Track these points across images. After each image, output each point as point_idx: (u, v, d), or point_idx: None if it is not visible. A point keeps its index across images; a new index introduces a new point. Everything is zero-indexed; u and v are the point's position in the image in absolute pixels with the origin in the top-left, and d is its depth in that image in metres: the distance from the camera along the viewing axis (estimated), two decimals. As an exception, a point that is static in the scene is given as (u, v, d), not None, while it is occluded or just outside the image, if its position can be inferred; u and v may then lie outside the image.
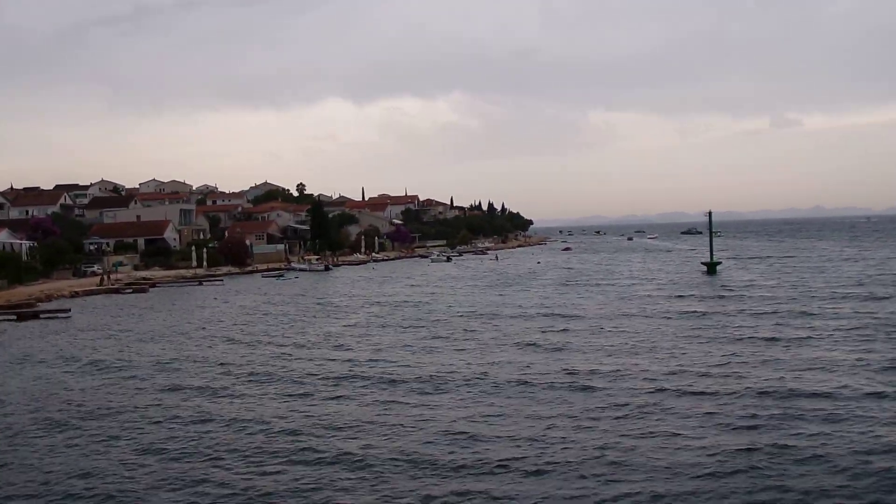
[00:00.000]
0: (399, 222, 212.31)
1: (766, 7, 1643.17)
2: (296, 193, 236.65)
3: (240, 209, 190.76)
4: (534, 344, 41.03)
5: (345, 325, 52.85)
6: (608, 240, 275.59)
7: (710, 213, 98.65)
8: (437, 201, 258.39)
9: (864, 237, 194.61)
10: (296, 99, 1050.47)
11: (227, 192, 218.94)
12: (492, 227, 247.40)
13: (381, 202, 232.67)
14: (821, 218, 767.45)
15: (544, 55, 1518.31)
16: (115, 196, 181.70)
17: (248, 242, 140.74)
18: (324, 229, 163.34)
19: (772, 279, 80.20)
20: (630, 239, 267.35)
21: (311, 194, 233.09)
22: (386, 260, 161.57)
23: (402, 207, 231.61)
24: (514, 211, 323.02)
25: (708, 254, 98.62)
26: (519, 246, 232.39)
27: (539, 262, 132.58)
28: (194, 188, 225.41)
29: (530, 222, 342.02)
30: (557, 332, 45.75)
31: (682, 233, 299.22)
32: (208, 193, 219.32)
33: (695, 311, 53.55)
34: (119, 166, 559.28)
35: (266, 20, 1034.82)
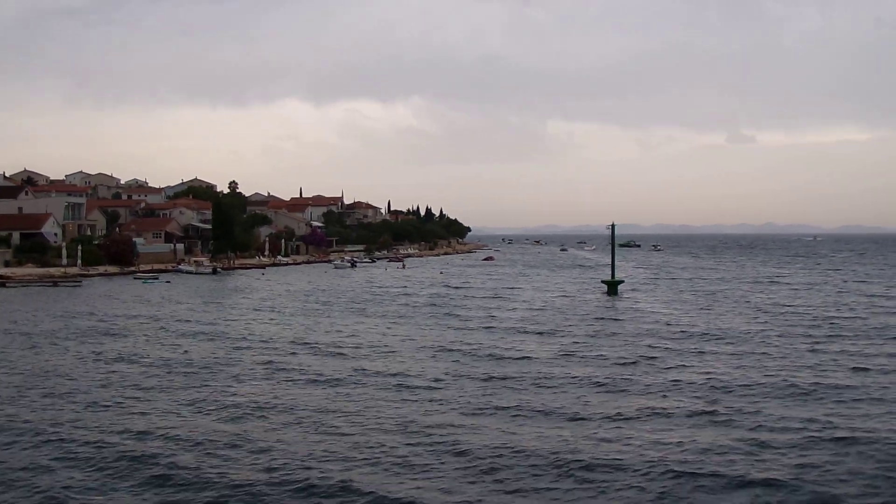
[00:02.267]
0: (319, 225, 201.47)
1: (730, 25, 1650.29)
2: (227, 191, 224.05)
3: (143, 205, 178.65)
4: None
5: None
6: (541, 250, 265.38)
7: (612, 226, 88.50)
8: (367, 204, 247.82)
9: (794, 258, 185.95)
10: (259, 97, 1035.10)
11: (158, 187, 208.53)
12: (420, 233, 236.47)
13: (303, 203, 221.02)
14: (771, 234, 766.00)
15: (508, 63, 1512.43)
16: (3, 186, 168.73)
17: (136, 241, 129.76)
18: (225, 229, 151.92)
19: (667, 302, 70.68)
20: (564, 250, 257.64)
21: (240, 193, 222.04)
22: (291, 264, 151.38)
23: (325, 209, 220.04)
24: (453, 217, 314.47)
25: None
26: (445, 253, 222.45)
27: (442, 273, 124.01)
28: (122, 182, 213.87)
29: (468, 229, 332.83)
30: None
31: (621, 245, 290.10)
32: (136, 188, 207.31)
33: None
34: (79, 158, 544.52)
35: (236, 17, 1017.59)
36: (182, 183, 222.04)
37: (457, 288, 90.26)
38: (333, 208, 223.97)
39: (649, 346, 43.32)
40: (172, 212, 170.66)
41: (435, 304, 69.44)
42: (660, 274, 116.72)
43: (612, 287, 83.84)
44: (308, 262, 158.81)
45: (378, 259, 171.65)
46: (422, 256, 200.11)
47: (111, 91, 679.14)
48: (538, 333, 49.32)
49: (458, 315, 59.98)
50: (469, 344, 44.27)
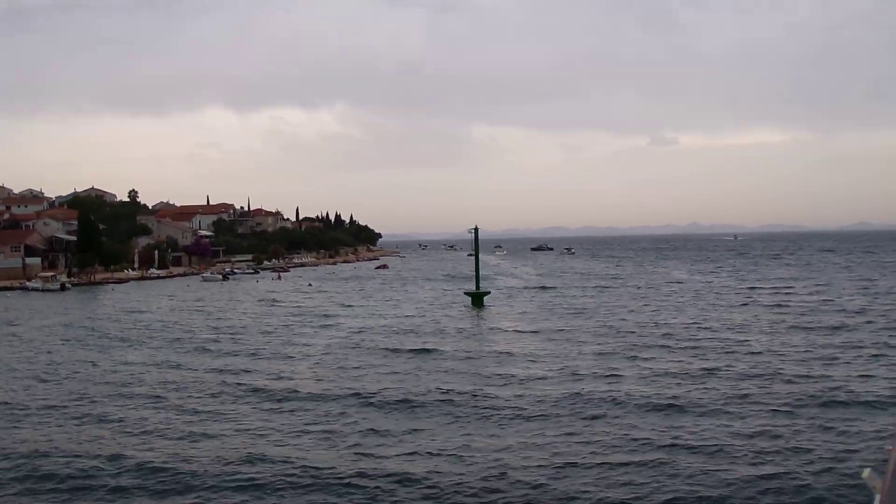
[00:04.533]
0: (208, 234, 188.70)
1: (649, 33, 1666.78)
2: (126, 199, 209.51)
3: (7, 216, 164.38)
4: None
5: None
6: (452, 256, 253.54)
7: (475, 230, 78.13)
8: (266, 211, 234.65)
9: (707, 260, 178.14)
10: (180, 105, 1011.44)
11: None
12: (318, 240, 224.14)
13: (191, 211, 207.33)
14: (696, 234, 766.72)
15: (431, 69, 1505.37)
16: None
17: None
18: (92, 240, 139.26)
19: (528, 319, 60.34)
20: (470, 255, 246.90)
21: (138, 202, 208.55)
22: (163, 277, 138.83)
23: (215, 217, 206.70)
24: (363, 223, 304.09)
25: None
26: (345, 261, 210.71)
27: (310, 285, 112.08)
28: (15, 192, 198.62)
29: (378, 235, 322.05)
30: None
31: (533, 249, 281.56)
32: (20, 199, 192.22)
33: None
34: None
35: (155, 26, 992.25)
36: (74, 193, 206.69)
37: (283, 306, 77.67)
38: (225, 216, 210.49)
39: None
40: (36, 223, 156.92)
41: (216, 334, 55.85)
42: (544, 282, 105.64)
43: (477, 299, 73.63)
44: (184, 275, 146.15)
45: (261, 270, 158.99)
46: (317, 266, 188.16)
47: (27, 102, 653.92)
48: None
49: (211, 351, 46.98)
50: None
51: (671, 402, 28.69)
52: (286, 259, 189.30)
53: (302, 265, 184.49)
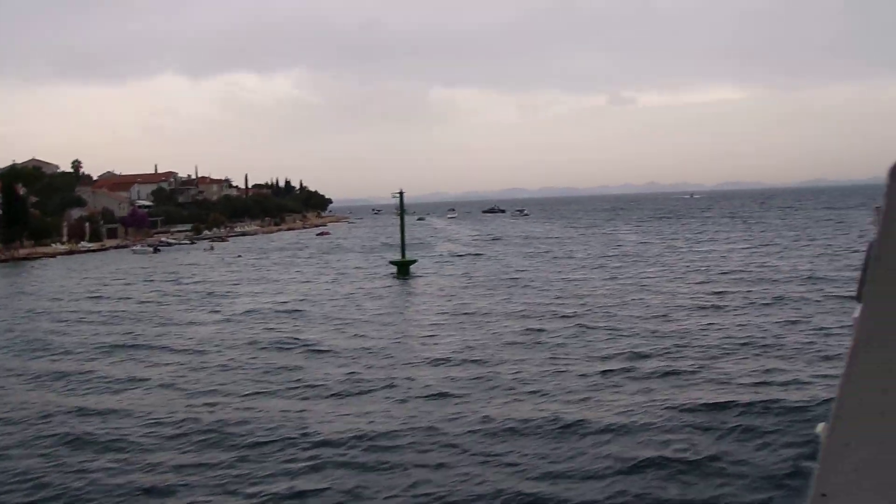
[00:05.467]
0: (147, 204, 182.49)
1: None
2: (70, 170, 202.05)
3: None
4: None
5: None
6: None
7: (401, 194, 73.16)
8: (210, 179, 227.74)
9: (654, 220, 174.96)
10: (133, 72, 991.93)
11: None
12: (263, 208, 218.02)
13: (128, 181, 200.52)
14: (654, 194, 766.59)
15: (387, 30, 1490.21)
16: None
17: None
18: (19, 214, 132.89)
19: (444, 293, 55.54)
20: (421, 219, 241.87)
21: (79, 173, 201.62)
22: (94, 251, 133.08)
23: (154, 186, 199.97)
24: (320, 189, 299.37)
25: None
26: (289, 229, 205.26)
27: (240, 256, 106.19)
28: None
29: (329, 201, 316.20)
30: None
31: (484, 211, 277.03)
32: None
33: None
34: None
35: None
36: (13, 164, 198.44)
37: (186, 283, 71.05)
38: (165, 185, 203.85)
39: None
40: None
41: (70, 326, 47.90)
42: (482, 249, 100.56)
43: (403, 268, 69.03)
44: (117, 248, 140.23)
45: (196, 240, 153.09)
46: (257, 234, 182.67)
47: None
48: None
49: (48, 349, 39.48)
50: None
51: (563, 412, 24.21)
52: (228, 228, 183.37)
53: (244, 234, 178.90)
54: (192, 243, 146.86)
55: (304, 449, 19.69)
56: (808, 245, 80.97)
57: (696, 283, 53.24)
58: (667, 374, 26.59)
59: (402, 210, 74.56)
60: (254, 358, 32.91)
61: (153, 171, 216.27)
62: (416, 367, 29.51)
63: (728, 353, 29.70)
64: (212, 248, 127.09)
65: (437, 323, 40.61)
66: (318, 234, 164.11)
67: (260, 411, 23.62)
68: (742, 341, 31.82)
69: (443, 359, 30.60)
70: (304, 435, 20.82)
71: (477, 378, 26.90)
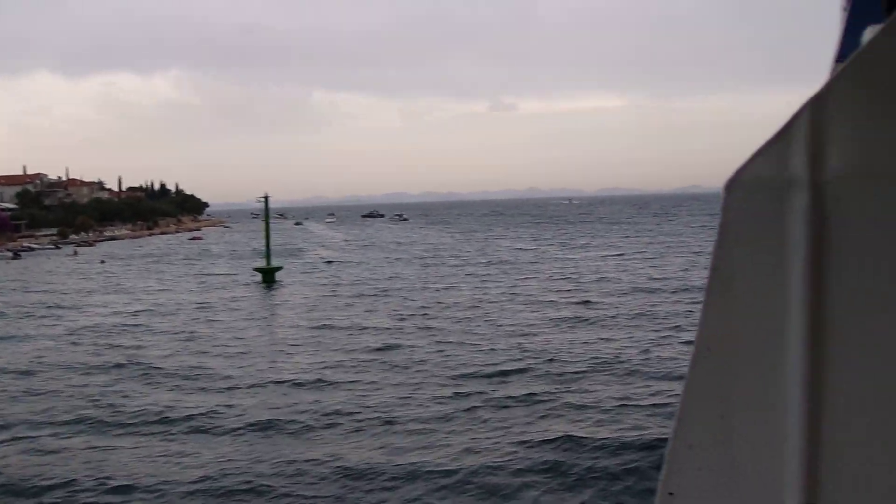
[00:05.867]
0: (11, 206, 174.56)
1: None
2: None
3: None
4: None
5: None
6: (277, 226, 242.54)
7: (266, 198, 70.37)
8: (82, 181, 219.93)
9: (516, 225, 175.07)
10: (5, 70, 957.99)
11: None
12: (136, 211, 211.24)
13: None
14: (535, 199, 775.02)
15: (268, 32, 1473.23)
16: None
17: None
18: None
19: (306, 304, 52.85)
20: (299, 224, 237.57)
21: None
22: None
23: (20, 188, 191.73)
24: (198, 193, 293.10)
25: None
26: (162, 233, 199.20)
27: (103, 262, 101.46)
28: None
29: (205, 205, 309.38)
30: None
31: (364, 216, 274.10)
32: None
33: None
34: None
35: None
36: None
37: (29, 293, 65.98)
38: (31, 187, 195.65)
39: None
40: None
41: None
42: (350, 257, 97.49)
43: (268, 275, 66.19)
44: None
45: (62, 245, 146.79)
46: (127, 238, 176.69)
47: None
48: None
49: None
50: None
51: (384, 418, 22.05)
52: (97, 232, 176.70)
53: (114, 238, 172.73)
54: (57, 248, 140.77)
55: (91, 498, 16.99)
56: (682, 253, 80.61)
57: (566, 292, 52.03)
58: (525, 398, 24.67)
59: (266, 215, 71.77)
60: (77, 384, 29.68)
61: (21, 173, 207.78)
62: (254, 393, 26.94)
63: (592, 373, 27.95)
64: (75, 254, 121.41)
65: (291, 339, 38.10)
66: (190, 239, 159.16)
67: (59, 451, 20.78)
68: (606, 359, 30.13)
69: (286, 382, 28.10)
70: (99, 482, 18.05)
71: (316, 407, 24.52)
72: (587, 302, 47.02)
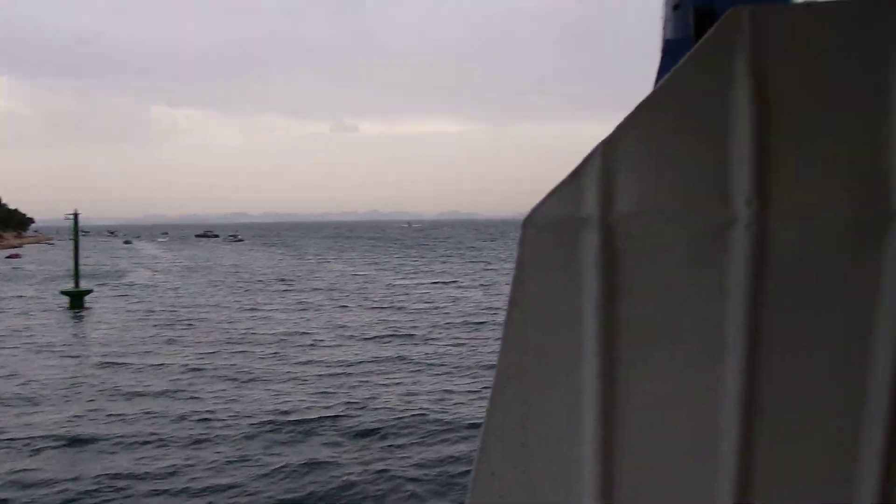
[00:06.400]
0: None
1: (333, 16, 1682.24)
2: None
3: None
4: None
5: None
6: (108, 245, 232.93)
7: (75, 215, 65.83)
8: None
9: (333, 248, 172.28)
10: None
11: None
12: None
13: None
14: (375, 221, 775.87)
15: (108, 44, 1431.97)
16: None
17: None
18: None
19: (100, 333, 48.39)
20: (128, 242, 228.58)
21: None
22: None
23: None
24: (23, 207, 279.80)
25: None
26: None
27: None
28: None
29: (31, 220, 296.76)
30: None
31: (198, 236, 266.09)
32: None
33: None
34: None
35: None
36: None
37: None
38: None
39: None
40: None
41: None
42: (171, 281, 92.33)
43: (76, 299, 61.52)
44: None
45: None
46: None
47: None
48: None
49: None
50: None
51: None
52: None
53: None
54: None
55: None
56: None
57: (392, 324, 49.41)
58: (317, 465, 21.69)
59: (76, 233, 67.49)
60: None
61: None
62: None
63: (404, 429, 25.18)
64: None
65: (69, 379, 33.60)
66: (7, 257, 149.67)
67: None
68: (420, 412, 27.32)
69: (30, 440, 24.15)
70: None
71: (46, 478, 20.78)
72: (411, 336, 44.72)
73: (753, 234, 2.82)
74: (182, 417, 26.56)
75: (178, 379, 33.21)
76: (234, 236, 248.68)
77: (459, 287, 75.27)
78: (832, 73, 2.88)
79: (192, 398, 29.53)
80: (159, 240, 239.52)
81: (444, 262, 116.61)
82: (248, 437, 24.09)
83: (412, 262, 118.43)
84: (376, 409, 27.41)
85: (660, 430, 2.85)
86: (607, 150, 2.83)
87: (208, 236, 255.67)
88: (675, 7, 6.04)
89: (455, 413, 26.78)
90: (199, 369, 35.37)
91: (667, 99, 2.84)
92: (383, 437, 24.09)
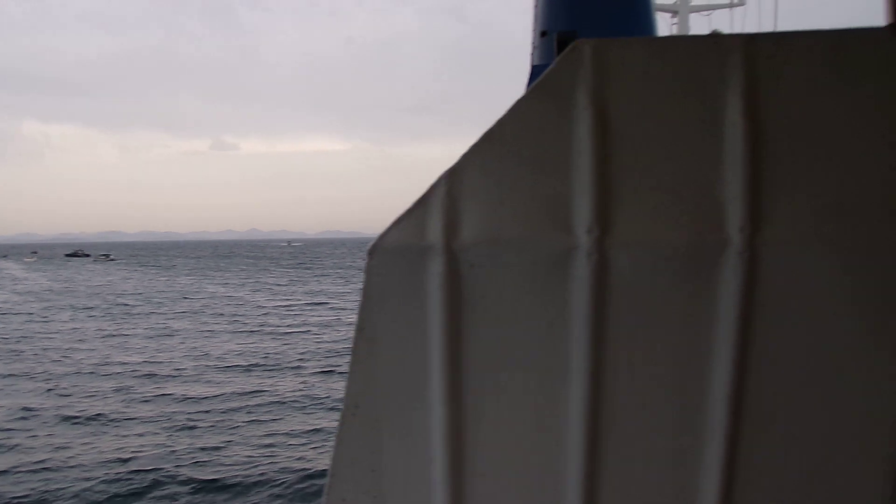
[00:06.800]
0: None
1: (211, 32, 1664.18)
2: None
3: None
4: None
5: None
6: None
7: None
8: None
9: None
10: None
11: None
12: None
13: None
14: (254, 241, 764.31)
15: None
16: None
17: None
18: None
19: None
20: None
21: None
22: None
23: None
24: None
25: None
26: None
27: None
28: None
29: None
30: None
31: (67, 255, 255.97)
32: None
33: None
34: None
35: None
36: None
37: None
38: None
39: None
40: None
41: None
42: (29, 305, 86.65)
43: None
44: None
45: None
46: None
47: None
48: None
49: None
50: None
51: None
52: None
53: None
54: None
55: None
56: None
57: (256, 354, 46.24)
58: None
59: None
60: None
61: None
62: None
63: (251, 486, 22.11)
64: None
65: None
66: None
67: None
68: (272, 466, 24.26)
69: None
70: None
71: None
72: (277, 366, 41.65)
73: (594, 261, 2.94)
74: (4, 472, 23.01)
75: (3, 423, 29.39)
76: (106, 255, 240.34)
77: (333, 308, 72.24)
78: (669, 106, 2.95)
79: (17, 446, 25.88)
80: (26, 259, 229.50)
81: (320, 283, 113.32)
82: (78, 495, 20.76)
83: (286, 284, 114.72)
84: (230, 456, 24.28)
85: (508, 451, 2.93)
86: (452, 179, 2.93)
87: (78, 256, 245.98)
88: (542, 34, 6.41)
89: (320, 460, 23.87)
90: (32, 409, 31.55)
91: (509, 129, 2.91)
92: (235, 495, 21.04)
